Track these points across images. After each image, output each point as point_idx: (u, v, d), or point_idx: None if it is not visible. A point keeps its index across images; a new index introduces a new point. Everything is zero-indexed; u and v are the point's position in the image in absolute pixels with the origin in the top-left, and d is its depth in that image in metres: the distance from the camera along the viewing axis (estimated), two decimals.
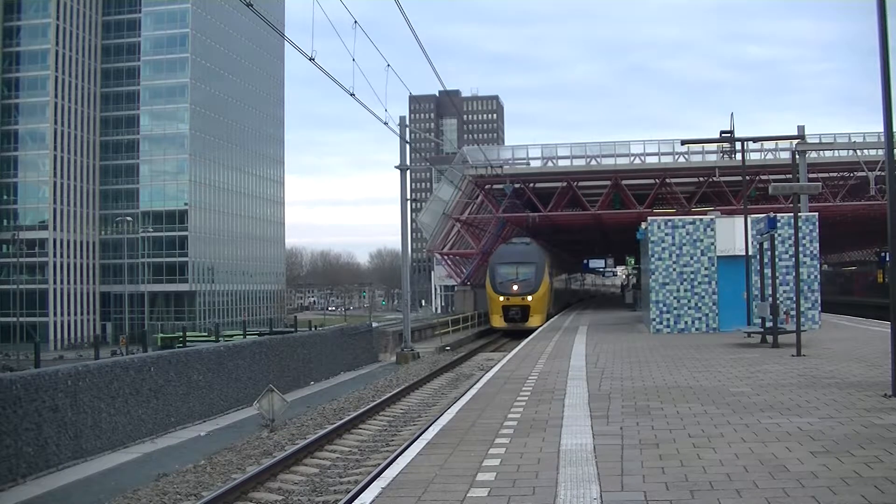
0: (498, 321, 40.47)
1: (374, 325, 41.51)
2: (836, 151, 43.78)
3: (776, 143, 44.41)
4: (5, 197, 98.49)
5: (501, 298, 39.99)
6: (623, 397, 11.60)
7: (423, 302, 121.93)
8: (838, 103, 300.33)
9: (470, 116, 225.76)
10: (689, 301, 24.64)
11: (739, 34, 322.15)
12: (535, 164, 51.64)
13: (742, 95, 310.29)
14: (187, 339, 53.07)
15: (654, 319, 24.90)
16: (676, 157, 49.33)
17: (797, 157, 31.90)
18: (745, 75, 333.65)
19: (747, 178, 31.64)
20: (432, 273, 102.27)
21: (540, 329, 31.74)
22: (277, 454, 13.25)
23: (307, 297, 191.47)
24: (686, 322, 24.64)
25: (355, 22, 19.01)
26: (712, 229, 24.62)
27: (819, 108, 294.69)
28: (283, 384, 21.23)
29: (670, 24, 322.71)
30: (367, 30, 19.55)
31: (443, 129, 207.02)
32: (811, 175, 34.69)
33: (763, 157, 47.55)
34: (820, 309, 24.79)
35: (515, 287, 39.66)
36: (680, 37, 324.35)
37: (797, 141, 32.48)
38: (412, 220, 44.61)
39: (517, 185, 48.52)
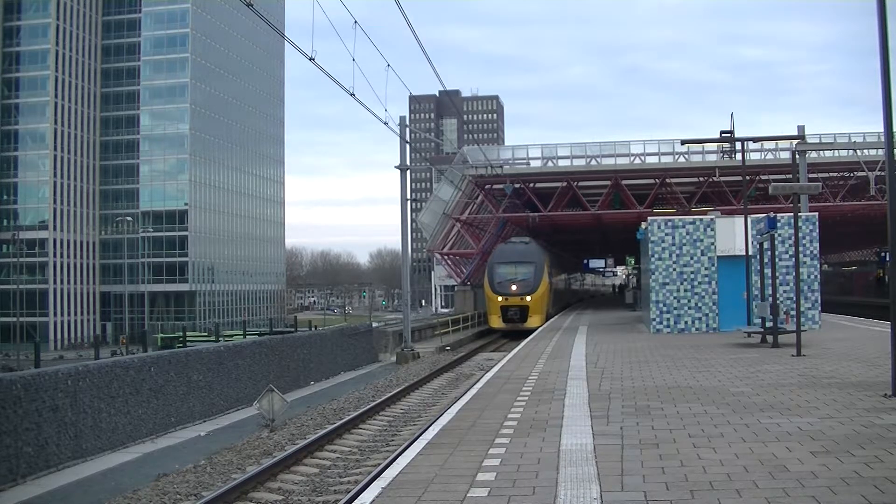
0: (496, 321, 39.82)
1: (375, 325, 41.49)
2: (836, 151, 43.76)
3: (776, 144, 44.43)
4: (5, 197, 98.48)
5: (500, 298, 39.28)
6: (623, 397, 11.59)
7: (423, 302, 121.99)
8: (834, 104, 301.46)
9: (470, 116, 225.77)
10: (689, 301, 24.63)
11: (735, 36, 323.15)
12: (535, 164, 51.66)
13: (739, 96, 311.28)
14: (187, 339, 53.10)
15: (654, 319, 24.90)
16: (676, 157, 49.35)
17: (797, 157, 31.88)
18: (742, 76, 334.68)
19: (747, 178, 31.64)
20: (432, 273, 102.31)
21: (540, 329, 31.67)
22: (277, 454, 13.25)
23: (307, 297, 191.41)
24: (686, 322, 24.63)
25: (355, 22, 19.03)
26: (712, 229, 24.62)
27: (815, 109, 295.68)
28: (283, 384, 21.23)
29: (665, 25, 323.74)
30: (367, 31, 19.59)
31: (443, 129, 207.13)
32: (811, 175, 34.69)
33: (763, 157, 47.58)
34: (820, 309, 24.79)
35: (514, 287, 39.01)
36: (676, 38, 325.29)
37: (797, 141, 32.47)
38: (412, 220, 44.57)
39: (517, 185, 48.50)
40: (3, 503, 12.15)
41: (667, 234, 24.77)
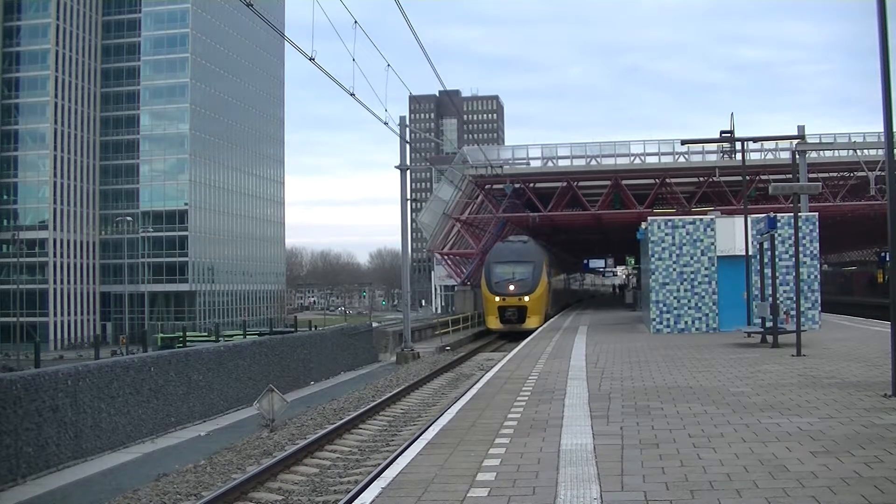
0: (494, 322, 38.86)
1: (375, 325, 41.48)
2: (836, 151, 43.76)
3: (776, 143, 44.41)
4: (5, 197, 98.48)
5: (497, 299, 38.28)
6: (623, 397, 11.59)
7: (423, 302, 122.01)
8: (834, 104, 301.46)
9: (470, 116, 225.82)
10: (689, 301, 24.63)
11: (734, 36, 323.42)
12: (535, 164, 51.64)
13: (738, 96, 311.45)
14: (187, 339, 53.10)
15: (654, 319, 24.89)
16: (676, 157, 49.33)
17: (797, 157, 31.90)
18: (741, 77, 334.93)
19: (747, 178, 31.63)
20: (432, 273, 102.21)
21: (539, 329, 31.58)
22: (277, 454, 13.25)
23: (307, 297, 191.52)
24: (686, 322, 24.63)
25: (355, 22, 19.05)
26: (712, 229, 24.62)
27: (815, 109, 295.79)
28: (283, 384, 21.24)
29: (665, 26, 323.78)
30: (367, 31, 19.62)
31: (443, 129, 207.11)
32: (811, 175, 34.69)
33: (763, 157, 47.55)
34: (820, 309, 24.79)
35: (512, 287, 38.03)
36: (675, 39, 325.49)
37: (797, 141, 32.48)
38: (412, 220, 44.53)
39: (517, 185, 48.48)
40: (4, 503, 12.15)
41: (667, 234, 24.77)
